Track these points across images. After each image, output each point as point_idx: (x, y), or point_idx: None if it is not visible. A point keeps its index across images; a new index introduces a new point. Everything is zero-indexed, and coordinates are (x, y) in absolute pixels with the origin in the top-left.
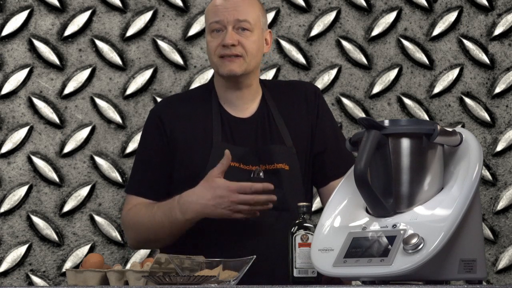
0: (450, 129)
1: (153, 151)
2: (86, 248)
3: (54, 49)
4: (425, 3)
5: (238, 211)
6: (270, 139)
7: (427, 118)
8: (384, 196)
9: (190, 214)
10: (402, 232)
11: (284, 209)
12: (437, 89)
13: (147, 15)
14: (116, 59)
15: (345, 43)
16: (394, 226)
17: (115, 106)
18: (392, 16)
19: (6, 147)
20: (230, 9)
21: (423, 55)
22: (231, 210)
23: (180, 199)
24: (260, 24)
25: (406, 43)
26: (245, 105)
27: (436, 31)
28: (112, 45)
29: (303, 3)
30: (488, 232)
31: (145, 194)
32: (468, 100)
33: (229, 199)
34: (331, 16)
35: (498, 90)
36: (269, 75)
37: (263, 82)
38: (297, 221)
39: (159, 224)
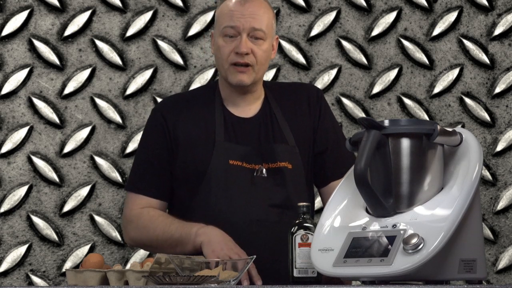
0: (450, 129)
1: (156, 149)
2: (86, 248)
3: (54, 49)
4: (425, 3)
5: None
6: (273, 138)
7: (427, 118)
8: (384, 196)
9: (199, 242)
10: (402, 232)
11: (287, 208)
12: (437, 89)
13: (147, 15)
14: (116, 59)
15: (345, 43)
16: (394, 226)
17: (115, 106)
18: (392, 16)
19: (6, 147)
20: (247, 16)
21: (423, 55)
22: (228, 252)
23: (202, 231)
24: (272, 32)
25: (406, 43)
26: (248, 106)
27: (436, 31)
28: (112, 45)
29: (303, 3)
30: (488, 232)
31: (149, 193)
32: (468, 100)
33: (235, 252)
34: (331, 16)
35: (498, 90)
36: (269, 75)
37: (265, 84)
38: (297, 221)
39: (173, 241)
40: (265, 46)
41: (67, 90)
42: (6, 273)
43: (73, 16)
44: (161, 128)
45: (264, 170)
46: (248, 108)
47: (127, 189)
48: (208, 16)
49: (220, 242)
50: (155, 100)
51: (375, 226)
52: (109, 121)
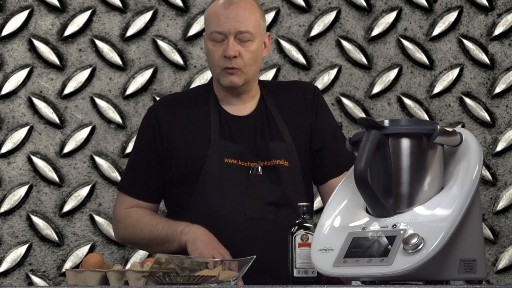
0: (450, 129)
1: (146, 152)
2: (86, 248)
3: (54, 49)
4: (425, 3)
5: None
6: (269, 136)
7: (427, 118)
8: (384, 196)
9: (184, 240)
10: (402, 232)
11: (284, 205)
12: (437, 89)
13: (147, 15)
14: (116, 59)
15: (345, 43)
16: (394, 226)
17: (115, 106)
18: (392, 16)
19: (6, 147)
20: (232, 20)
21: (423, 55)
22: (212, 251)
23: (187, 230)
24: (260, 31)
25: (406, 43)
26: (243, 105)
27: (436, 31)
28: (112, 45)
29: (303, 3)
30: (488, 232)
31: (138, 196)
32: (468, 100)
33: (218, 251)
34: (331, 16)
35: (498, 90)
36: (269, 75)
37: (261, 83)
38: (297, 221)
39: (160, 239)
40: (254, 46)
41: (67, 90)
42: (6, 273)
43: (73, 16)
44: (153, 129)
45: (259, 168)
46: (243, 107)
47: (118, 189)
48: None
49: (204, 241)
50: (155, 100)
51: (375, 226)
52: (109, 121)
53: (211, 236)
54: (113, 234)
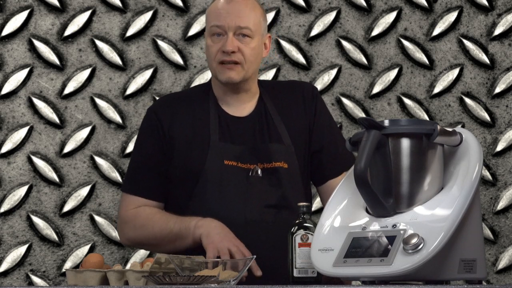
0: (450, 129)
1: (150, 150)
2: (86, 248)
3: (54, 49)
4: (425, 3)
5: (229, 249)
6: (268, 138)
7: (427, 118)
8: (384, 196)
9: (198, 234)
10: (402, 232)
11: (284, 207)
12: (437, 89)
13: (147, 15)
14: (116, 59)
15: (345, 43)
16: (394, 226)
17: (115, 106)
18: (392, 16)
19: (6, 147)
20: (232, 15)
21: (423, 55)
22: (227, 243)
23: (201, 223)
24: (260, 30)
25: (406, 43)
26: (243, 105)
27: (436, 31)
28: (112, 45)
29: (303, 3)
30: (488, 232)
31: (145, 194)
32: (468, 100)
33: (233, 243)
34: (331, 16)
35: (498, 90)
36: (269, 75)
37: (260, 83)
38: (297, 221)
39: (172, 236)
40: (253, 44)
41: (67, 90)
42: (6, 273)
43: (73, 16)
44: (155, 128)
45: (259, 170)
46: (242, 107)
47: (123, 190)
48: None
49: (219, 233)
50: (155, 100)
51: (375, 226)
52: (109, 121)
53: (225, 228)
54: (113, 234)
